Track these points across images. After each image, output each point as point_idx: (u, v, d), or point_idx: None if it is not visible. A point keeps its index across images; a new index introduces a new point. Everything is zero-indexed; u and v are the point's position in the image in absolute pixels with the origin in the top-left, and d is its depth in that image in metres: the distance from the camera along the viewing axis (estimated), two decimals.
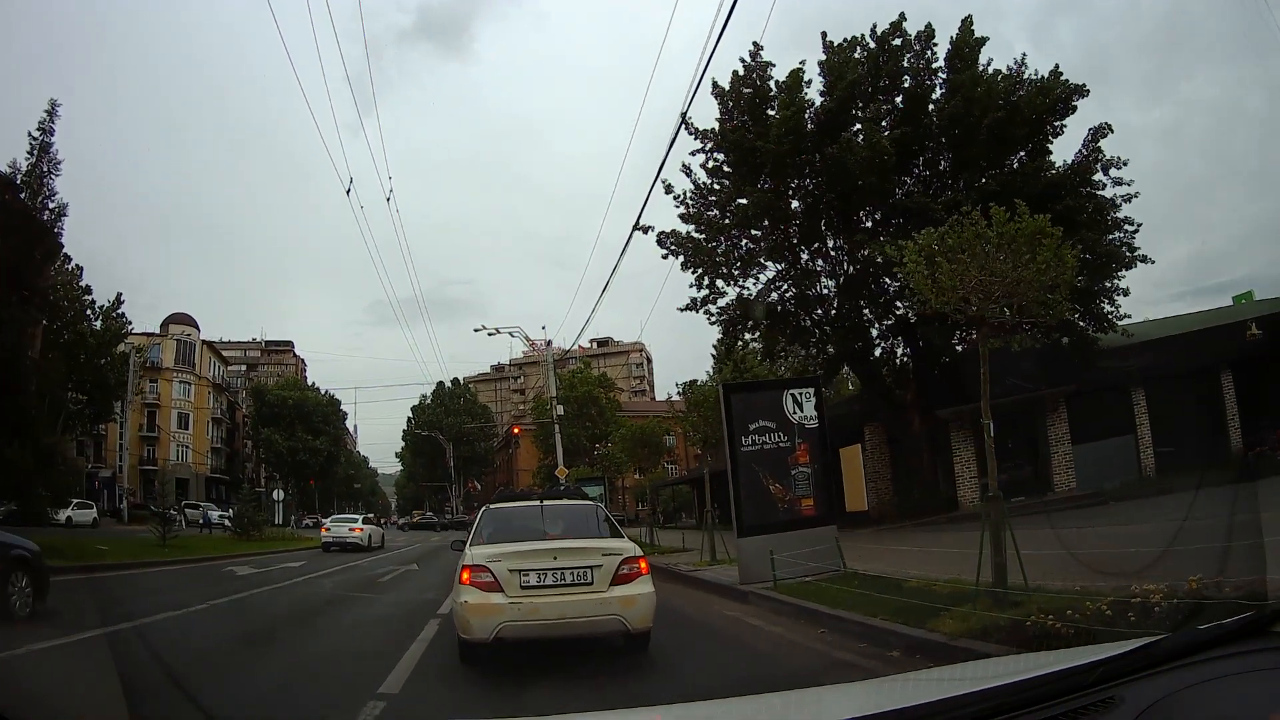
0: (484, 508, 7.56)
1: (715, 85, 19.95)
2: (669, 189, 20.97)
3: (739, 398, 11.44)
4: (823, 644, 6.67)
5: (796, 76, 19.44)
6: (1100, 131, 19.11)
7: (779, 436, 10.96)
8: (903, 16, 19.71)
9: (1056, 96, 18.82)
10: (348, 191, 20.88)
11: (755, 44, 19.89)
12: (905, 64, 19.98)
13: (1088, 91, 18.94)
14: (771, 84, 19.86)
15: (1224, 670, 1.79)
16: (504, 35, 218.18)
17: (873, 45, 19.91)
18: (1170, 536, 7.15)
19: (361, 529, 28.46)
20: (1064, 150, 19.92)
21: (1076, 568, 7.37)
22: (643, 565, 6.05)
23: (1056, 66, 19.17)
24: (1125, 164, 18.90)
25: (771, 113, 19.64)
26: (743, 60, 20.01)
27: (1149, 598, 5.05)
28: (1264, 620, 1.94)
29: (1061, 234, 6.67)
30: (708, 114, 20.85)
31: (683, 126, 18.53)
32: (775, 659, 6.40)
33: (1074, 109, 19.10)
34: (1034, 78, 19.32)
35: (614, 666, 5.93)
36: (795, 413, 11.02)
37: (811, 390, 11.37)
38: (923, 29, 19.84)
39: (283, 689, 5.57)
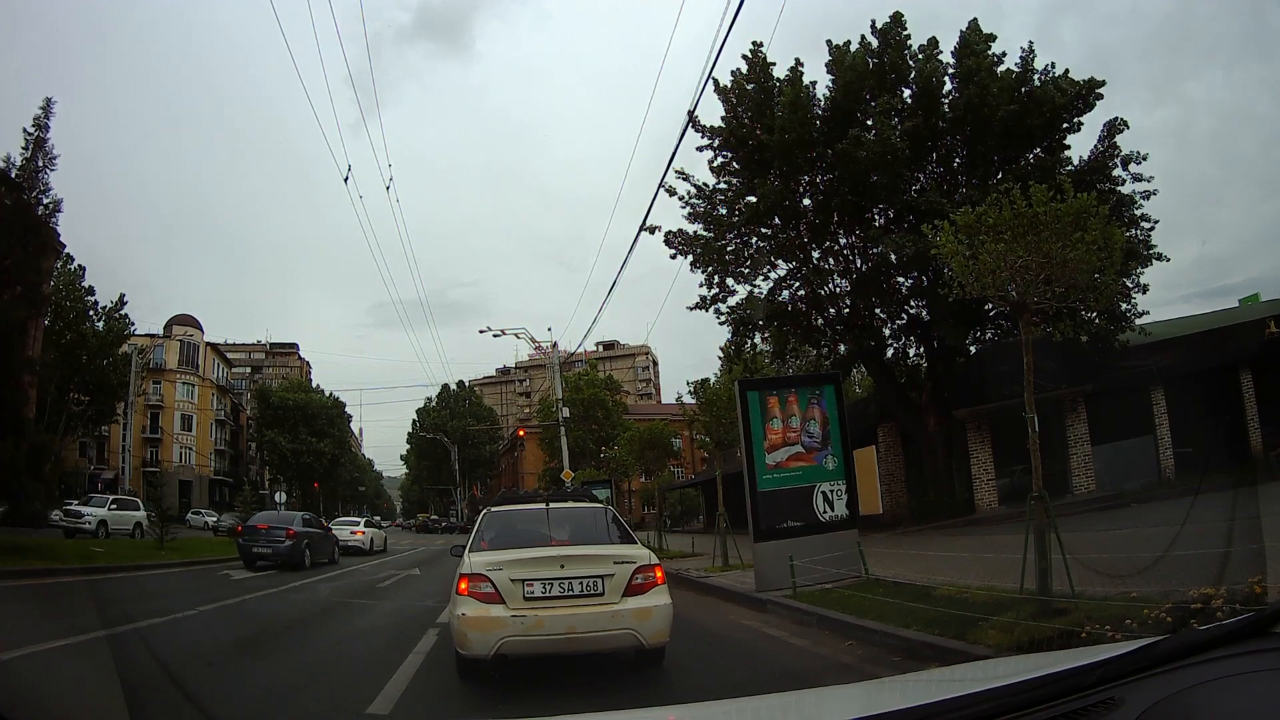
0: (485, 510, 7.02)
1: (717, 84, 19.54)
2: (672, 192, 20.57)
3: (756, 395, 10.88)
4: (853, 658, 6.17)
5: (796, 71, 19.00)
6: (1115, 126, 18.64)
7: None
8: (899, 14, 19.11)
9: (1075, 92, 18.25)
10: (345, 180, 20.40)
11: (755, 43, 19.52)
12: (911, 60, 19.42)
13: (1103, 91, 18.37)
14: (775, 80, 19.41)
15: (1225, 671, 1.76)
16: (506, 35, 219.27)
17: (875, 43, 19.28)
18: (1204, 539, 6.77)
19: (363, 532, 28.20)
20: (1079, 148, 19.48)
21: (1114, 572, 6.94)
22: (658, 574, 5.57)
23: (1066, 71, 18.57)
24: (1145, 158, 18.44)
25: (779, 112, 19.19)
26: (745, 57, 19.61)
27: (1209, 602, 4.63)
28: (1265, 620, 1.92)
29: (1108, 211, 6.17)
30: (714, 115, 20.35)
31: (690, 125, 18.15)
32: (803, 674, 5.88)
33: (1093, 105, 18.53)
34: (1048, 69, 18.81)
35: (625, 684, 5.49)
36: None
37: (831, 388, 10.83)
38: (925, 43, 19.10)
39: (259, 712, 5.01)
